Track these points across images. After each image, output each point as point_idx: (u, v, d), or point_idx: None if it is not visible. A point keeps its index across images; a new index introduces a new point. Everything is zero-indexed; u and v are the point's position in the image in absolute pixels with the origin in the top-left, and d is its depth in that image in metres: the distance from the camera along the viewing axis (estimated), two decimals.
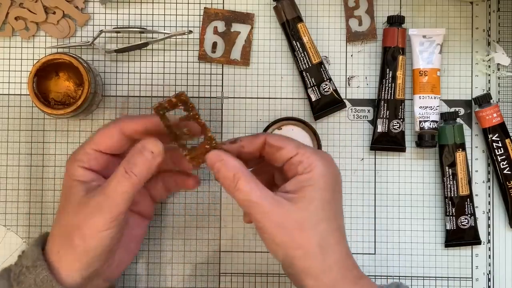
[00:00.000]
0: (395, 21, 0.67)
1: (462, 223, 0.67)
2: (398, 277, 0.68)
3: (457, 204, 0.67)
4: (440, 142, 0.67)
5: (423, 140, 0.67)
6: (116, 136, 0.56)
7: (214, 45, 0.68)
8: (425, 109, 0.67)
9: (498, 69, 0.69)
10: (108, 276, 0.59)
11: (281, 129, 0.66)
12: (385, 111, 0.67)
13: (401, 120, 0.67)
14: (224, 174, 0.53)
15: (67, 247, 0.54)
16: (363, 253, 0.68)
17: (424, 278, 0.68)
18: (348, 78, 0.69)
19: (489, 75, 0.69)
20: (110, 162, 0.57)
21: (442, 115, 0.68)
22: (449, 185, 0.67)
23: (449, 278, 0.68)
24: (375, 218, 0.68)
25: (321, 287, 0.52)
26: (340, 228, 0.55)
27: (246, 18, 0.69)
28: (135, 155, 0.54)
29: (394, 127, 0.67)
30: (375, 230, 0.68)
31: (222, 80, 0.69)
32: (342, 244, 0.54)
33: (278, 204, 0.52)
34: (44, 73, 0.63)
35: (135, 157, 0.54)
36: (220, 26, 0.68)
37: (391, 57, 0.67)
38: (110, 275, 0.59)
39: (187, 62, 0.69)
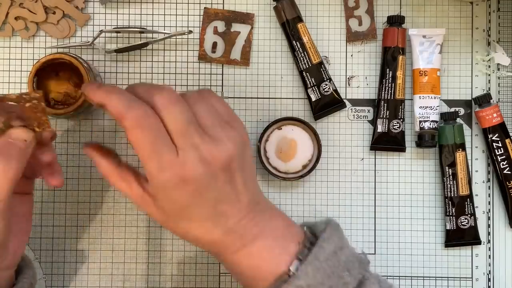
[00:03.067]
0: (395, 21, 0.67)
1: (462, 223, 0.67)
2: (398, 277, 0.68)
3: (457, 204, 0.67)
4: (440, 142, 0.67)
5: (423, 140, 0.67)
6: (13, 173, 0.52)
7: (214, 45, 0.68)
8: (425, 109, 0.67)
9: (498, 69, 0.69)
10: (5, 266, 0.55)
11: (281, 129, 0.66)
12: (385, 111, 0.67)
13: (401, 120, 0.67)
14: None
15: None
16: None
17: (424, 278, 0.68)
18: (348, 78, 0.69)
19: (489, 75, 0.69)
20: (22, 185, 0.55)
21: (442, 115, 0.68)
22: (449, 185, 0.67)
23: (449, 278, 0.68)
24: (375, 218, 0.68)
25: (231, 234, 0.52)
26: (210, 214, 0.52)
27: (246, 18, 0.69)
28: (8, 148, 0.51)
29: (394, 127, 0.67)
30: (375, 230, 0.68)
31: (222, 80, 0.69)
32: (216, 232, 0.52)
33: (145, 202, 0.52)
34: (44, 73, 0.63)
35: (9, 150, 0.51)
36: (220, 26, 0.68)
37: (391, 57, 0.67)
38: (8, 265, 0.55)
39: (187, 62, 0.69)
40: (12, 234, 0.54)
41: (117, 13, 0.69)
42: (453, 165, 0.67)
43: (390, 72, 0.67)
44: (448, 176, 0.67)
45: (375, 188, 0.68)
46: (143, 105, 0.49)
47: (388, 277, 0.68)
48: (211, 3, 0.69)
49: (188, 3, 0.69)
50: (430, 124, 0.67)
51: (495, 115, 0.67)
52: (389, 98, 0.67)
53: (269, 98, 0.69)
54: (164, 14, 0.69)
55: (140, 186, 0.52)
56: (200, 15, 0.69)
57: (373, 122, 0.68)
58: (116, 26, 0.68)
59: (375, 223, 0.68)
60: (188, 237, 0.53)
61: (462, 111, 0.69)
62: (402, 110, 0.67)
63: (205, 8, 0.69)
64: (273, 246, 0.52)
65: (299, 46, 0.67)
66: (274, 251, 0.52)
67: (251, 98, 0.69)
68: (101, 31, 0.67)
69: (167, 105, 0.50)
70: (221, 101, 0.53)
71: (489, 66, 0.69)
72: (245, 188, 0.52)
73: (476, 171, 0.69)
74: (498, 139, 0.67)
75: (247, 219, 0.52)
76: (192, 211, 0.51)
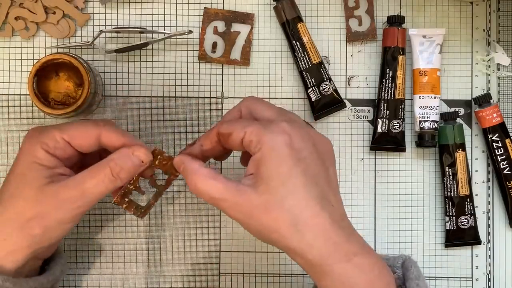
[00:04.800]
0: (395, 21, 0.67)
1: (462, 223, 0.67)
2: None
3: (457, 204, 0.67)
4: (440, 142, 0.67)
5: (423, 140, 0.67)
6: (93, 139, 0.55)
7: (214, 45, 0.68)
8: (425, 109, 0.67)
9: (498, 69, 0.69)
10: (42, 256, 0.57)
11: None
12: (385, 111, 0.67)
13: (401, 120, 0.67)
14: (186, 179, 0.52)
15: (20, 234, 0.52)
16: None
17: (424, 278, 0.68)
18: (348, 78, 0.69)
19: (489, 75, 0.69)
20: (75, 155, 0.56)
21: (442, 115, 0.68)
22: (449, 185, 0.67)
23: (449, 278, 0.68)
24: (375, 218, 0.68)
25: (309, 265, 0.49)
26: (318, 197, 0.49)
27: (246, 18, 0.69)
28: (125, 159, 0.53)
29: (394, 127, 0.67)
30: (375, 230, 0.68)
31: (222, 80, 0.69)
32: (322, 215, 0.49)
33: (241, 193, 0.49)
34: (44, 73, 0.63)
35: (125, 161, 0.53)
36: (220, 26, 0.68)
37: (391, 57, 0.67)
38: (44, 255, 0.57)
39: (187, 62, 0.69)
40: None
41: (117, 13, 0.69)
42: (453, 165, 0.67)
43: (390, 72, 0.67)
44: (448, 176, 0.67)
45: (375, 188, 0.68)
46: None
47: None
48: (211, 3, 0.69)
49: (188, 3, 0.69)
50: (430, 124, 0.67)
51: (495, 115, 0.67)
52: (389, 98, 0.67)
53: (269, 98, 0.69)
54: (164, 14, 0.69)
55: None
56: (200, 15, 0.69)
57: (373, 122, 0.68)
58: (116, 26, 0.68)
59: (375, 223, 0.68)
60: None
61: (462, 111, 0.69)
62: (402, 110, 0.67)
63: (205, 8, 0.69)
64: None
65: (299, 46, 0.67)
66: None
67: None
68: (101, 31, 0.67)
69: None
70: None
71: (489, 66, 0.69)
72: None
73: (476, 171, 0.69)
74: (498, 139, 0.67)
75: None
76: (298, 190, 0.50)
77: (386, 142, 0.68)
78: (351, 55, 0.69)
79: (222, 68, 0.69)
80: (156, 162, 0.56)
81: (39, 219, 0.52)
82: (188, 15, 0.69)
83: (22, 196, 0.53)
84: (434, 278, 0.68)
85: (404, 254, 0.55)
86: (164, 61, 0.69)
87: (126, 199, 0.56)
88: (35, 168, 0.53)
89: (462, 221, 0.67)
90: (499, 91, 0.69)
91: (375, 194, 0.68)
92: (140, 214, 0.57)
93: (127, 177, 0.54)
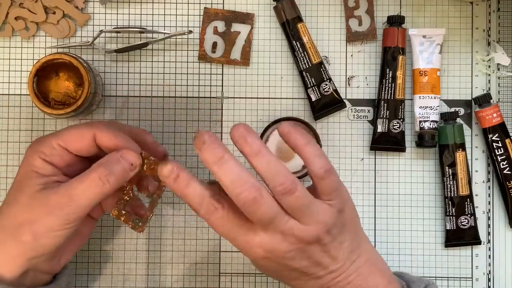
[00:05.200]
0: (395, 21, 0.67)
1: (462, 223, 0.67)
2: None
3: (457, 204, 0.67)
4: (440, 142, 0.67)
5: (423, 140, 0.67)
6: (88, 140, 0.54)
7: (214, 45, 0.68)
8: (425, 109, 0.67)
9: (498, 69, 0.69)
10: (48, 270, 0.57)
11: None
12: (385, 111, 0.67)
13: (401, 120, 0.67)
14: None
15: (12, 241, 0.51)
16: None
17: (424, 278, 0.68)
18: (348, 78, 0.69)
19: (489, 75, 0.69)
20: (73, 161, 0.55)
21: (442, 115, 0.68)
22: (449, 185, 0.67)
23: (449, 278, 0.68)
24: (375, 218, 0.68)
25: None
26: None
27: (246, 18, 0.69)
28: (113, 163, 0.53)
29: (394, 127, 0.67)
30: (375, 230, 0.68)
31: (222, 80, 0.69)
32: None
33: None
34: (44, 73, 0.63)
35: (113, 166, 0.52)
36: (220, 26, 0.68)
37: (391, 57, 0.67)
38: (50, 269, 0.57)
39: (187, 62, 0.69)
40: (67, 248, 0.57)
41: (117, 13, 0.69)
42: (453, 165, 0.67)
43: (390, 72, 0.67)
44: (448, 176, 0.67)
45: (375, 188, 0.68)
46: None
47: None
48: (211, 3, 0.69)
49: (188, 3, 0.69)
50: (430, 124, 0.67)
51: (495, 115, 0.67)
52: (389, 98, 0.67)
53: (269, 98, 0.69)
54: (164, 14, 0.69)
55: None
56: (200, 15, 0.69)
57: (373, 122, 0.68)
58: (116, 26, 0.68)
59: (375, 223, 0.68)
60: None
61: (462, 111, 0.69)
62: (402, 110, 0.67)
63: (205, 8, 0.69)
64: None
65: (299, 46, 0.67)
66: None
67: (251, 98, 0.69)
68: (101, 31, 0.67)
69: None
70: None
71: (489, 66, 0.69)
72: (341, 251, 0.54)
73: (476, 171, 0.69)
74: (498, 139, 0.67)
75: (341, 278, 0.54)
76: (282, 274, 0.54)
77: (386, 142, 0.68)
78: (351, 55, 0.69)
79: (222, 68, 0.69)
80: (145, 168, 0.55)
81: (29, 225, 0.51)
82: (188, 15, 0.69)
83: (15, 203, 0.53)
84: (434, 278, 0.68)
85: (427, 279, 0.58)
86: (164, 61, 0.69)
87: (123, 212, 0.56)
88: (31, 176, 0.53)
89: (462, 221, 0.67)
90: (499, 91, 0.69)
91: (375, 194, 0.68)
92: (139, 228, 0.56)
93: (117, 181, 0.53)
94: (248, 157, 0.50)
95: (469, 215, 0.67)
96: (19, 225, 0.51)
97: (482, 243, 0.68)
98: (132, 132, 0.58)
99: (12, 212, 0.52)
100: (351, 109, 0.69)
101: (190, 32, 0.66)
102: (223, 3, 0.69)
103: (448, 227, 0.67)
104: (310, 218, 0.51)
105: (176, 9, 0.69)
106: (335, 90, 0.68)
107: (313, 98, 0.67)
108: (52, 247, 0.52)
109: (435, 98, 0.67)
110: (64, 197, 0.51)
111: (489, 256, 0.68)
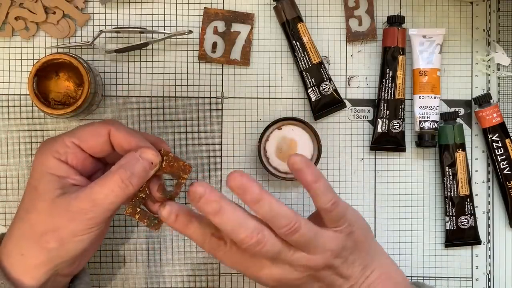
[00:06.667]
0: (395, 21, 0.67)
1: (462, 223, 0.67)
2: None
3: (457, 204, 0.67)
4: (440, 142, 0.67)
5: (423, 140, 0.67)
6: (103, 137, 0.53)
7: (214, 45, 0.68)
8: (425, 109, 0.67)
9: (498, 69, 0.69)
10: (68, 273, 0.56)
11: (281, 129, 0.66)
12: (385, 111, 0.67)
13: (401, 120, 0.67)
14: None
15: (36, 249, 0.51)
16: None
17: (424, 278, 0.68)
18: (348, 78, 0.69)
19: (489, 75, 0.69)
20: (88, 161, 0.54)
21: (442, 115, 0.68)
22: (449, 185, 0.67)
23: (449, 278, 0.68)
24: (375, 218, 0.68)
25: None
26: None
27: (246, 18, 0.69)
28: (133, 163, 0.52)
29: (394, 127, 0.67)
30: (375, 230, 0.68)
31: (222, 80, 0.69)
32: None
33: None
34: (44, 73, 0.63)
35: (134, 166, 0.51)
36: (220, 26, 0.68)
37: (391, 57, 0.67)
38: (70, 273, 0.57)
39: (187, 62, 0.69)
40: (88, 250, 0.56)
41: (117, 13, 0.69)
42: (453, 165, 0.67)
43: (390, 72, 0.67)
44: (448, 176, 0.67)
45: (375, 188, 0.68)
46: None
47: None
48: (211, 3, 0.69)
49: (188, 3, 0.69)
50: (430, 124, 0.67)
51: (495, 115, 0.67)
52: (389, 98, 0.67)
53: (269, 98, 0.69)
54: (164, 14, 0.69)
55: None
56: (200, 15, 0.69)
57: (373, 122, 0.68)
58: (116, 26, 0.68)
59: (375, 223, 0.68)
60: None
61: (462, 111, 0.69)
62: (402, 110, 0.67)
63: (205, 8, 0.69)
64: None
65: (299, 46, 0.67)
66: None
67: (251, 98, 0.69)
68: (101, 31, 0.67)
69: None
70: None
71: (489, 66, 0.69)
72: (354, 269, 0.55)
73: (476, 171, 0.69)
74: (498, 139, 0.67)
75: None
76: None
77: (386, 142, 0.68)
78: (351, 55, 0.69)
79: (222, 68, 0.69)
80: (163, 165, 0.54)
81: (53, 232, 0.50)
82: (188, 15, 0.69)
83: (35, 210, 0.51)
84: (434, 278, 0.68)
85: (421, 281, 0.60)
86: (164, 61, 0.69)
87: (138, 209, 0.54)
88: (47, 179, 0.52)
89: (462, 221, 0.67)
90: (499, 91, 0.69)
91: (375, 194, 0.68)
92: (154, 226, 0.55)
93: (139, 182, 0.52)
94: (249, 205, 0.50)
95: (469, 215, 0.67)
96: (43, 233, 0.51)
97: (482, 243, 0.68)
98: (148, 140, 0.57)
99: (33, 220, 0.51)
100: (351, 109, 0.69)
101: (190, 32, 0.66)
102: (223, 3, 0.69)
103: (448, 227, 0.67)
104: (316, 248, 0.52)
105: (176, 9, 0.69)
106: (335, 90, 0.68)
107: (313, 98, 0.67)
108: (77, 251, 0.52)
109: (435, 98, 0.67)
110: (87, 203, 0.50)
111: (489, 256, 0.68)
